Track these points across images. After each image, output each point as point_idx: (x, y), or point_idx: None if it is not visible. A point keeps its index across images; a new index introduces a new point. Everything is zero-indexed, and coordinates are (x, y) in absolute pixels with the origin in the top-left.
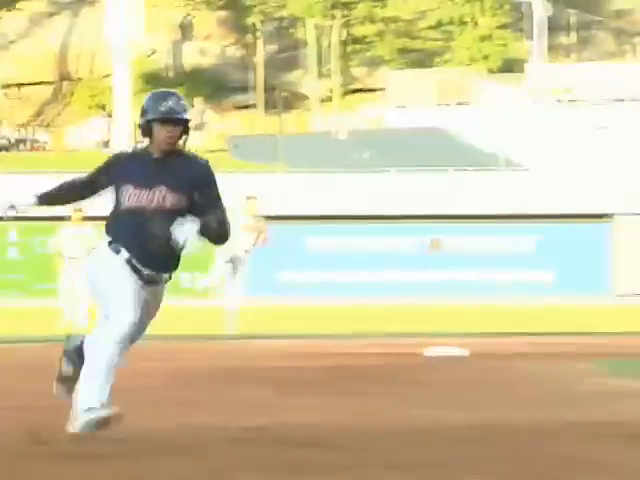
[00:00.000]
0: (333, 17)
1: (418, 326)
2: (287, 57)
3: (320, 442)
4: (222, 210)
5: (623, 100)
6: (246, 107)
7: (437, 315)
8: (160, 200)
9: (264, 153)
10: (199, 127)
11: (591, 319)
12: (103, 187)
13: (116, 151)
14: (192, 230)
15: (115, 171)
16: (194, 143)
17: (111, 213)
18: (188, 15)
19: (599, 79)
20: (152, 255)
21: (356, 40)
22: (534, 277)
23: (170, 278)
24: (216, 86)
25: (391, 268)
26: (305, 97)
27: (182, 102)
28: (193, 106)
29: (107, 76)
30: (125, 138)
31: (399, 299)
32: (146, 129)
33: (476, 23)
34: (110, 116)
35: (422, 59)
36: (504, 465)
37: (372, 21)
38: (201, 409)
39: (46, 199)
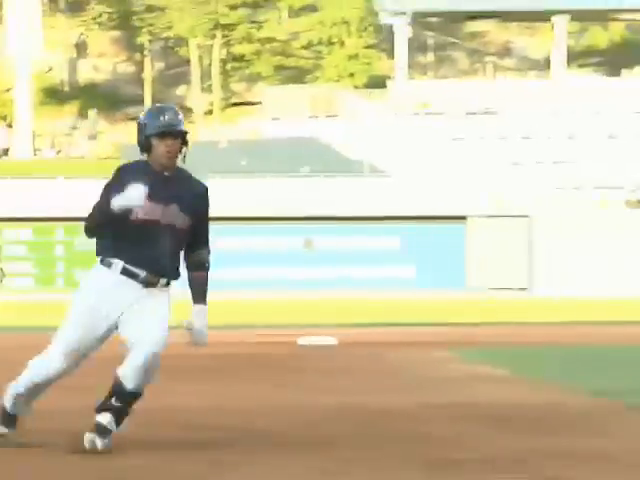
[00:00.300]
0: (214, 37)
1: (292, 318)
2: (173, 73)
3: (208, 424)
4: (208, 241)
5: (475, 113)
6: (137, 118)
7: (310, 308)
8: (173, 218)
9: None
10: (93, 137)
11: (448, 311)
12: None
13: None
14: (205, 316)
15: (127, 182)
16: (87, 151)
17: (113, 229)
18: (83, 35)
19: (454, 95)
20: (154, 263)
21: (236, 58)
22: (397, 273)
23: (168, 284)
24: (109, 99)
25: (268, 265)
26: (190, 110)
27: (179, 115)
28: (87, 117)
29: (9, 90)
30: (25, 146)
31: (275, 293)
32: (145, 145)
33: (344, 43)
34: (10, 126)
35: (295, 76)
36: (371, 442)
37: (250, 41)
38: (92, 394)
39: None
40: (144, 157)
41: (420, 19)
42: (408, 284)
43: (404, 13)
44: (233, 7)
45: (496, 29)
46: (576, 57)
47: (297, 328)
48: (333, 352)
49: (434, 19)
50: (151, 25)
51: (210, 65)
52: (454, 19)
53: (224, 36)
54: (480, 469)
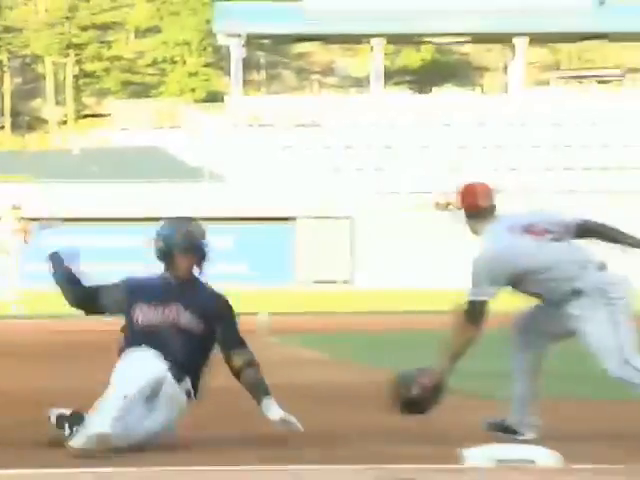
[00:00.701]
0: (68, 55)
1: None
2: (30, 88)
3: (55, 404)
4: (246, 343)
5: (303, 125)
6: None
7: None
8: (175, 317)
9: (12, 166)
10: None
11: (278, 301)
12: (105, 305)
13: None
14: (275, 406)
15: (124, 295)
16: None
17: (124, 336)
18: None
19: (284, 108)
20: (173, 358)
21: (87, 74)
22: (232, 269)
23: (189, 395)
24: None
25: (112, 261)
26: (45, 121)
27: (202, 229)
28: None
29: None
30: None
31: None
32: (165, 255)
33: (185, 62)
34: None
35: (141, 90)
36: (214, 421)
37: (100, 59)
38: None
39: (68, 275)
40: (161, 269)
41: (253, 40)
42: (242, 278)
43: (239, 35)
44: (84, 28)
45: (321, 50)
46: (392, 75)
47: None
48: None
49: (266, 41)
50: (9, 44)
51: (64, 80)
52: (283, 41)
53: (76, 54)
54: (301, 444)
